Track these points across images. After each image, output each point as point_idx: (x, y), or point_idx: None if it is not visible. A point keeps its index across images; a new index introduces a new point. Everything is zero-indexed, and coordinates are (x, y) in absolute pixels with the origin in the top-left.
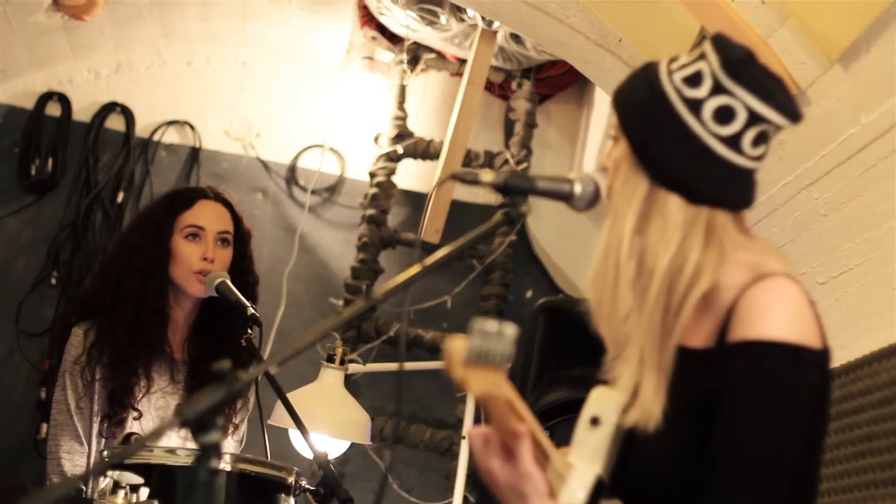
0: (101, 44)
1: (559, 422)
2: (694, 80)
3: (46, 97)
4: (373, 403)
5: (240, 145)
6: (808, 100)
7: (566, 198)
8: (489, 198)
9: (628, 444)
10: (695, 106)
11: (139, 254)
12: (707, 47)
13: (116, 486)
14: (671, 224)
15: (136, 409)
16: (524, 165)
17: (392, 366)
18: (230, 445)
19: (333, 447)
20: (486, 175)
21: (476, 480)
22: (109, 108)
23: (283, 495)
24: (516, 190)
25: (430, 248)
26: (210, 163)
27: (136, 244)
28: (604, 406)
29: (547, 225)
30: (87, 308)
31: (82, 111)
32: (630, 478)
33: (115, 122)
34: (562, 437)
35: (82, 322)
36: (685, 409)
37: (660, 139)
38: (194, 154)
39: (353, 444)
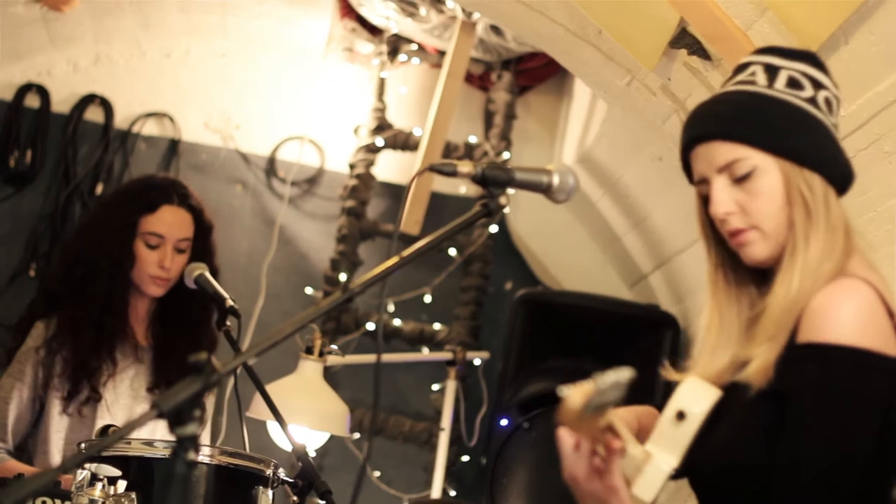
0: (80, 35)
1: (538, 413)
2: (794, 83)
3: (25, 89)
4: (352, 395)
5: (219, 137)
6: None
7: (544, 189)
8: (470, 190)
9: (704, 435)
10: (813, 102)
11: (104, 256)
12: (770, 58)
13: (94, 478)
14: (836, 219)
15: (98, 392)
16: (504, 157)
17: (371, 357)
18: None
19: (312, 439)
20: (464, 166)
21: (454, 473)
22: (88, 99)
23: (261, 487)
24: (494, 181)
25: (410, 240)
26: (189, 154)
27: (100, 243)
28: (692, 400)
29: (526, 217)
30: (51, 301)
31: (61, 103)
32: (701, 469)
33: (94, 114)
34: (542, 428)
35: (45, 317)
36: (758, 404)
37: (817, 140)
38: (173, 146)
39: (332, 437)
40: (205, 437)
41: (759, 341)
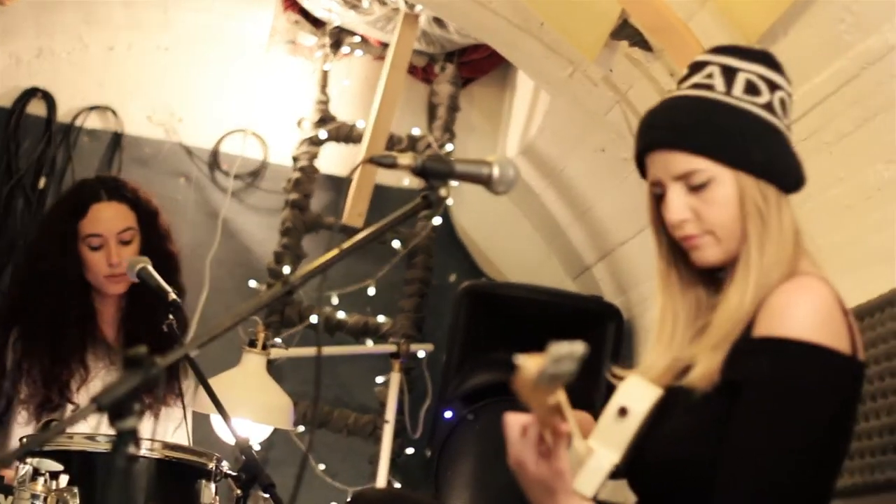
0: (22, 29)
1: (482, 405)
2: (751, 89)
3: None
4: (296, 388)
5: (162, 130)
6: None
7: (484, 181)
8: (413, 182)
9: (647, 433)
10: (769, 108)
11: (51, 271)
12: (727, 59)
13: (36, 473)
14: (787, 226)
15: (74, 403)
16: (447, 149)
17: (315, 350)
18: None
19: (256, 432)
20: (405, 158)
21: (400, 465)
22: (31, 93)
23: (203, 481)
24: (434, 173)
25: (353, 232)
26: (132, 148)
27: (45, 258)
28: (635, 397)
29: (469, 208)
30: (11, 318)
31: (3, 96)
32: (646, 466)
33: (37, 108)
34: (486, 420)
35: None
36: (707, 397)
37: (773, 151)
38: (116, 139)
39: (276, 430)
40: (182, 432)
41: (703, 347)
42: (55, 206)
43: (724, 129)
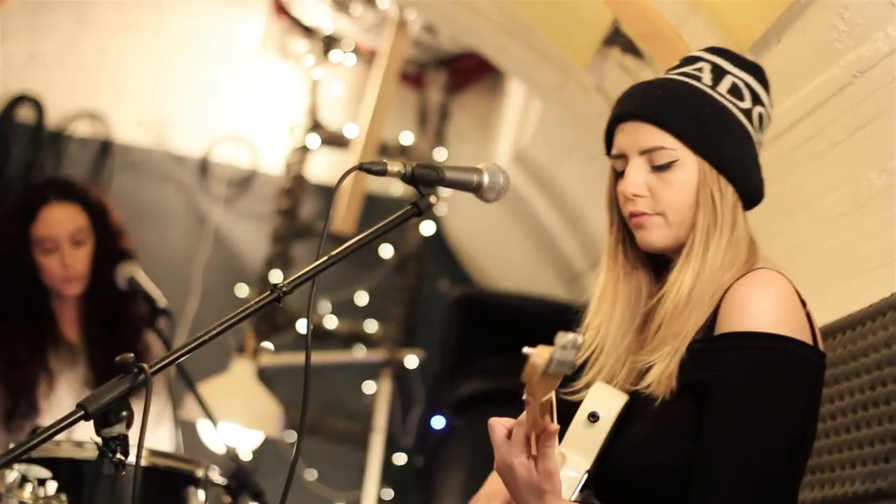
0: (13, 32)
1: (474, 413)
2: (736, 92)
3: None
4: (288, 396)
5: (152, 137)
6: None
7: (474, 188)
8: (407, 191)
9: (613, 441)
10: (748, 115)
11: (4, 276)
12: (720, 60)
13: (24, 479)
14: (740, 231)
15: (41, 407)
16: (439, 156)
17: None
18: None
19: (247, 439)
20: (394, 165)
21: (391, 471)
22: (21, 98)
23: (192, 488)
24: (423, 180)
25: (344, 241)
26: (122, 155)
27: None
28: (604, 403)
29: (461, 216)
30: None
31: None
32: (614, 473)
33: (27, 113)
34: (477, 428)
35: None
36: (673, 399)
37: (741, 153)
38: (106, 146)
39: (268, 438)
40: (162, 430)
41: (655, 347)
42: (4, 211)
43: (701, 117)
